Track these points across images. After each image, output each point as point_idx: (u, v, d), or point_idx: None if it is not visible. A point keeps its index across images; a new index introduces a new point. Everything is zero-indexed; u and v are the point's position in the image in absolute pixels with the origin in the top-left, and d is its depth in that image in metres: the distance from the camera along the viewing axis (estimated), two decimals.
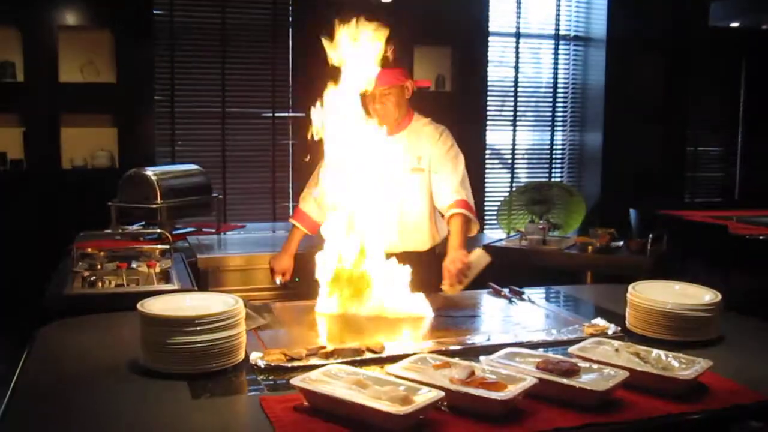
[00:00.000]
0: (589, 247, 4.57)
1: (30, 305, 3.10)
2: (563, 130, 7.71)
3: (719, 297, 2.34)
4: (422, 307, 2.65)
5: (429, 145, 3.32)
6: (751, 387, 1.89)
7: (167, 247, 3.76)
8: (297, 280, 3.50)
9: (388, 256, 2.77)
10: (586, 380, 1.78)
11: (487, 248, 4.66)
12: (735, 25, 6.02)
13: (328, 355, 2.06)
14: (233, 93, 6.44)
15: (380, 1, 5.54)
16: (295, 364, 2.00)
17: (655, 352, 1.98)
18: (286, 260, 3.43)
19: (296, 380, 1.72)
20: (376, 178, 2.82)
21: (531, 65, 7.66)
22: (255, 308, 2.56)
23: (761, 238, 4.70)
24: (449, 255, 2.97)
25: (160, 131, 6.23)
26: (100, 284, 3.27)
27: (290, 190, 6.54)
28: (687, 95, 7.56)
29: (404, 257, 2.81)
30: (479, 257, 2.94)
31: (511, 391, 1.68)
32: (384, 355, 2.10)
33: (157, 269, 3.46)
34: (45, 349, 2.22)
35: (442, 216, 3.35)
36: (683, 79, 7.48)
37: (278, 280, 3.38)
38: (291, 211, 5.75)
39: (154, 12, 6.09)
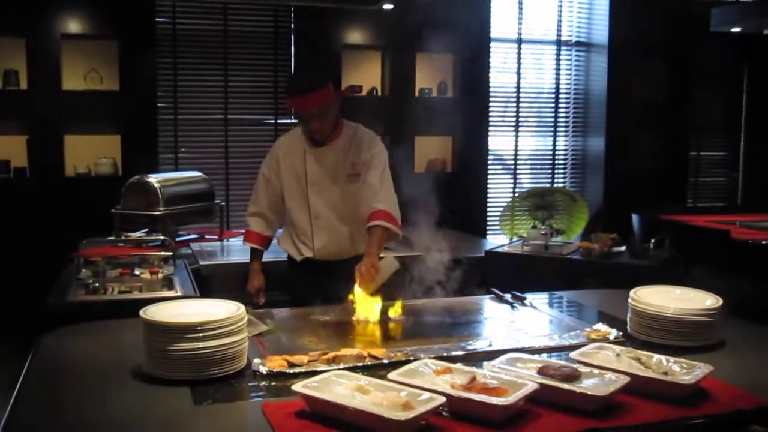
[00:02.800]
0: (592, 253, 4.57)
1: (33, 312, 3.11)
2: (565, 136, 7.72)
3: (720, 302, 2.34)
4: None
5: (361, 151, 3.30)
6: (753, 392, 1.89)
7: (170, 253, 3.78)
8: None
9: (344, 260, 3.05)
10: (587, 385, 1.78)
11: (490, 253, 4.73)
12: (736, 30, 6.03)
13: (330, 361, 2.07)
14: (236, 100, 6.47)
15: (381, 8, 5.55)
16: (297, 370, 2.00)
17: (656, 357, 1.98)
18: (257, 280, 3.37)
19: (298, 386, 1.72)
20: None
21: (533, 71, 7.68)
22: (257, 315, 2.58)
23: (763, 243, 4.68)
24: (363, 260, 2.94)
25: (163, 138, 6.26)
26: (103, 291, 3.29)
27: None
28: (689, 100, 7.57)
29: (357, 260, 2.90)
30: (389, 263, 2.93)
31: (513, 396, 1.68)
32: (385, 361, 2.10)
33: (160, 276, 3.48)
34: (48, 356, 2.23)
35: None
36: (685, 84, 7.49)
37: (261, 302, 3.30)
38: None
39: (157, 20, 6.13)
